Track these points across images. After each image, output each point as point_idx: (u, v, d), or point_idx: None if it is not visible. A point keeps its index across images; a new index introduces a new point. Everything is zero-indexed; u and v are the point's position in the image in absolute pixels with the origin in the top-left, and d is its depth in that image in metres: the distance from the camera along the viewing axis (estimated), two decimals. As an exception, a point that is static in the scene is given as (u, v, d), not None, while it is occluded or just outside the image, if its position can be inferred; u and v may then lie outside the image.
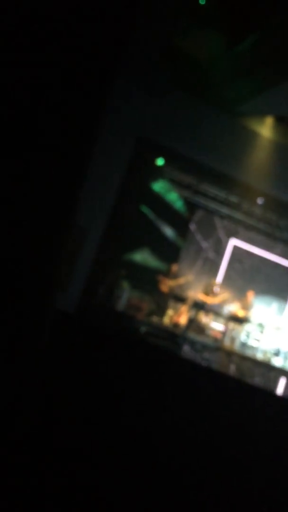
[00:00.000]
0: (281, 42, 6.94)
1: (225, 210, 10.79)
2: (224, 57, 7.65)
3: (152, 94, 8.40)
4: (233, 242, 11.13)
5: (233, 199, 10.51)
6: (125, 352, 3.73)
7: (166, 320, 9.66)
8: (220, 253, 11.07)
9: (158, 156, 9.58)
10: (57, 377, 3.02)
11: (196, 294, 10.51)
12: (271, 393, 6.77)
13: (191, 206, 10.71)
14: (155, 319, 9.48)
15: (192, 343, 8.86)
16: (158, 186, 10.21)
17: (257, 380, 8.96)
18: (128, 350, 3.81)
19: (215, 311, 9.91)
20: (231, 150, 9.06)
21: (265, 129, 9.16)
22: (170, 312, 9.81)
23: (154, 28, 6.92)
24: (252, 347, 9.53)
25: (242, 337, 9.59)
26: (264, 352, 9.50)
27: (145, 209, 10.14)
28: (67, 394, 3.14)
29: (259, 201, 10.30)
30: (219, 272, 10.99)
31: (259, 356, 9.40)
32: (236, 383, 4.49)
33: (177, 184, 10.28)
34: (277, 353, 9.50)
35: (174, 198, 10.46)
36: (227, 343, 9.40)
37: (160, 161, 9.68)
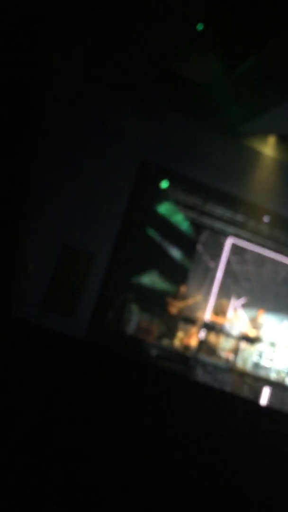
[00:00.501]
0: (279, 62, 7.04)
1: (231, 230, 10.79)
2: (224, 80, 7.76)
3: (155, 117, 8.52)
4: (239, 259, 11.10)
5: (239, 218, 10.52)
6: (137, 376, 3.69)
7: (177, 342, 9.58)
8: (228, 274, 11.03)
9: (162, 178, 9.65)
10: (70, 402, 2.99)
11: (206, 315, 10.45)
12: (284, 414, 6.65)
13: (197, 227, 10.73)
14: (165, 341, 9.40)
15: (204, 365, 8.75)
16: (164, 208, 10.25)
17: (272, 401, 8.80)
18: (139, 374, 3.76)
19: (225, 332, 9.82)
20: (235, 169, 9.12)
21: (268, 148, 9.23)
22: (180, 334, 9.74)
23: (153, 53, 7.06)
24: (265, 367, 9.39)
25: (255, 357, 9.46)
26: (278, 372, 9.35)
27: (151, 232, 10.17)
28: (78, 418, 3.10)
29: (265, 219, 10.30)
30: (227, 292, 10.93)
31: (273, 376, 9.26)
32: (249, 405, 4.42)
33: (182, 205, 10.32)
34: (291, 373, 9.35)
35: (180, 219, 10.49)
36: (239, 364, 9.28)
37: (164, 184, 9.74)
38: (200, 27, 6.97)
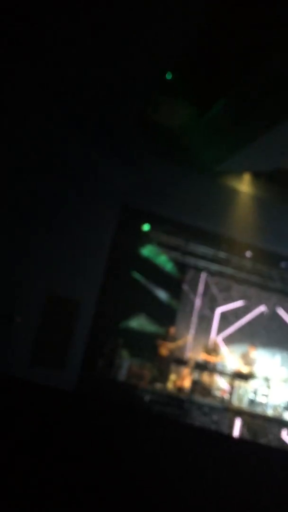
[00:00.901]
0: (247, 104, 7.31)
1: (215, 267, 10.88)
2: (196, 124, 8.02)
3: (133, 163, 8.71)
4: (226, 296, 11.13)
5: (222, 255, 10.63)
6: (131, 425, 3.60)
7: (170, 385, 9.42)
8: (216, 311, 11.03)
9: (143, 221, 9.78)
10: (64, 457, 2.90)
11: (197, 354, 10.34)
12: (284, 451, 6.51)
13: (181, 266, 10.79)
14: (158, 385, 9.24)
15: (199, 407, 8.58)
16: (147, 250, 10.33)
17: (271, 438, 8.61)
18: (134, 422, 3.68)
19: (219, 370, 9.71)
20: (214, 208, 9.30)
21: (244, 185, 9.47)
22: (173, 376, 9.59)
23: (126, 103, 7.29)
24: (261, 404, 9.25)
25: (250, 394, 9.33)
26: (274, 408, 9.21)
27: (136, 275, 10.19)
28: (73, 473, 3.00)
29: (248, 254, 10.43)
30: (217, 329, 10.89)
31: (270, 412, 9.11)
32: (248, 445, 4.32)
33: (165, 246, 10.42)
34: (287, 407, 9.21)
35: (164, 260, 10.55)
36: (235, 402, 9.13)
37: (146, 227, 9.87)
38: (169, 76, 7.25)
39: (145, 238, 10.12)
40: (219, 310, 11.04)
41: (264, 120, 7.46)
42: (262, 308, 11.20)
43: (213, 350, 10.00)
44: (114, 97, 7.14)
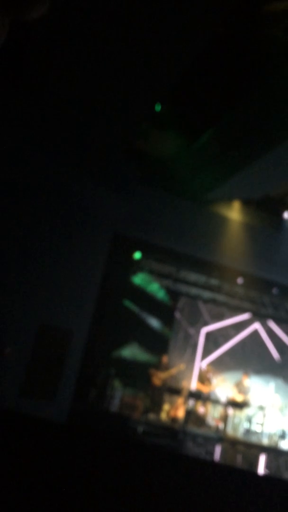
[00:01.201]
0: (234, 134, 7.46)
1: (207, 294, 10.87)
2: (185, 154, 8.16)
3: (123, 192, 8.79)
4: (218, 325, 11.09)
5: (214, 282, 10.64)
6: (125, 456, 3.53)
7: (163, 415, 9.27)
8: (208, 338, 10.97)
9: (135, 250, 9.81)
10: (56, 491, 2.83)
11: (191, 383, 10.23)
12: (282, 481, 6.37)
13: (173, 294, 10.78)
14: (151, 416, 9.08)
15: (194, 437, 8.43)
16: (139, 278, 10.32)
17: (267, 468, 8.45)
18: (127, 454, 3.61)
19: (212, 399, 9.58)
20: (205, 235, 9.36)
21: (234, 212, 9.57)
22: (166, 406, 9.45)
23: (115, 134, 7.41)
24: (256, 432, 9.10)
25: (244, 423, 9.19)
26: (270, 436, 9.07)
27: (128, 303, 10.14)
28: (62, 503, 2.92)
29: (239, 281, 10.46)
30: (211, 357, 10.80)
31: (265, 441, 8.96)
32: (244, 475, 4.24)
33: (157, 274, 10.42)
34: (283, 436, 9.07)
35: (155, 288, 10.54)
36: (229, 431, 8.98)
37: (137, 255, 9.88)
38: (158, 107, 7.40)
39: (137, 266, 10.13)
40: (211, 338, 10.98)
41: (252, 149, 7.60)
42: (255, 335, 11.16)
43: (206, 378, 9.90)
44: (104, 127, 7.25)
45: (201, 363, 10.59)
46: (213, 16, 4.92)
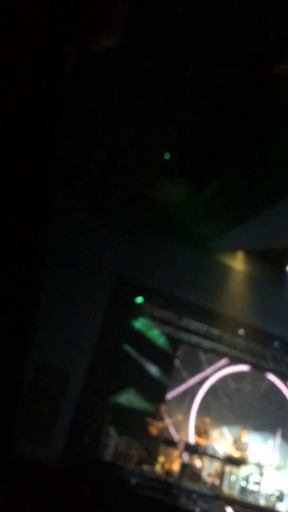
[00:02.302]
0: (242, 185, 7.63)
1: (208, 343, 10.75)
2: (192, 202, 8.30)
3: (128, 237, 8.89)
4: (218, 376, 10.88)
5: (215, 331, 10.55)
6: (117, 506, 3.41)
7: (158, 467, 8.94)
8: (208, 390, 10.74)
9: (137, 294, 9.79)
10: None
11: (188, 435, 9.93)
12: None
13: (174, 341, 10.65)
14: (146, 467, 8.76)
15: (188, 492, 8.09)
16: (139, 323, 10.24)
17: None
18: (119, 503, 3.49)
19: (209, 454, 9.26)
20: (208, 284, 9.36)
21: (238, 262, 9.62)
22: (161, 458, 9.13)
23: (124, 179, 7.58)
24: (253, 492, 8.73)
25: (241, 481, 8.83)
26: (267, 497, 8.69)
27: (127, 348, 10.02)
28: None
29: (241, 332, 10.36)
30: (208, 410, 10.53)
31: (262, 502, 8.58)
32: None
33: (158, 320, 10.35)
34: (280, 497, 8.69)
35: (156, 334, 10.43)
36: (225, 489, 8.62)
37: (139, 299, 9.86)
38: (167, 156, 7.61)
39: (138, 311, 10.08)
40: (211, 389, 10.75)
41: (257, 202, 7.74)
42: (254, 389, 10.93)
43: (203, 431, 9.61)
44: (113, 173, 7.43)
45: (199, 416, 10.30)
46: (224, 72, 5.15)
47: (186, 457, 9.05)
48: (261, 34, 4.64)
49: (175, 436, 9.81)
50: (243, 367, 10.98)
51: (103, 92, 5.83)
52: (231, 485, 8.73)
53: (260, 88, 6.43)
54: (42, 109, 1.05)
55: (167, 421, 9.58)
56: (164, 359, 10.42)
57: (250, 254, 9.57)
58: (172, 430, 9.86)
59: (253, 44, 4.72)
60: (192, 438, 9.68)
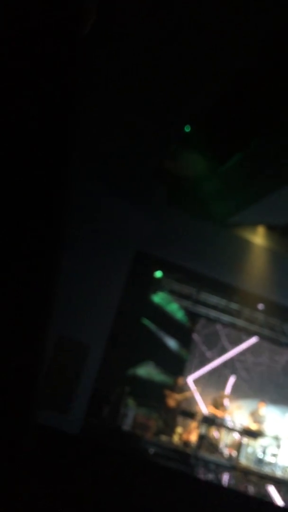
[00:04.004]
0: (264, 159, 7.47)
1: (227, 318, 10.76)
2: (212, 176, 8.18)
3: (148, 210, 8.86)
4: (237, 350, 10.92)
5: (234, 306, 10.54)
6: (135, 475, 3.48)
7: (176, 438, 9.12)
8: (226, 363, 10.81)
9: (156, 268, 9.81)
10: (63, 498, 2.80)
11: (205, 407, 10.06)
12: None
13: (192, 316, 10.69)
14: (164, 438, 8.94)
15: (205, 463, 8.25)
16: (158, 297, 10.29)
17: (279, 501, 8.18)
18: (137, 473, 3.56)
19: (226, 426, 9.39)
20: (227, 259, 9.31)
21: (258, 237, 9.50)
22: (179, 429, 9.30)
23: (145, 153, 7.50)
24: (270, 463, 8.86)
25: (258, 453, 8.95)
26: (284, 469, 8.81)
27: (146, 322, 10.11)
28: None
29: (260, 307, 10.33)
30: (226, 383, 10.63)
31: (279, 473, 8.71)
32: (256, 504, 4.15)
33: (177, 294, 10.38)
34: (297, 469, 8.81)
35: (174, 308, 10.48)
36: (242, 460, 8.76)
37: (158, 274, 9.88)
38: (187, 128, 7.48)
39: (157, 285, 10.11)
40: (229, 363, 10.81)
41: (280, 174, 7.59)
42: (273, 363, 10.95)
43: (221, 404, 9.72)
44: (134, 146, 7.36)
45: (217, 388, 10.40)
46: (246, 40, 4.99)
47: (203, 429, 9.19)
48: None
49: (193, 408, 9.94)
50: (262, 342, 10.99)
51: (123, 65, 5.72)
52: (248, 457, 8.87)
53: (283, 54, 6.23)
54: (60, 83, 1.04)
55: (185, 393, 9.70)
56: (182, 333, 10.50)
57: (271, 229, 9.44)
58: (189, 402, 9.99)
59: (280, 13, 4.55)
60: (209, 410, 9.80)
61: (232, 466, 8.47)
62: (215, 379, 10.62)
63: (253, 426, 9.33)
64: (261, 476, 8.43)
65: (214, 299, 10.48)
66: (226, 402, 9.80)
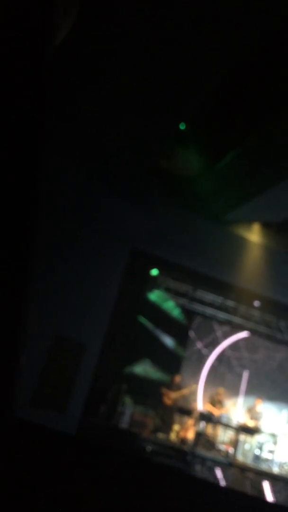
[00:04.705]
0: (259, 155, 7.48)
1: (223, 315, 10.78)
2: (208, 173, 8.18)
3: (144, 208, 8.84)
4: (233, 346, 10.94)
5: (230, 303, 10.55)
6: (132, 473, 3.48)
7: (173, 436, 9.13)
8: (222, 360, 10.83)
9: (152, 266, 9.81)
10: (61, 498, 2.80)
11: (202, 405, 10.08)
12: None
13: (188, 313, 10.71)
14: (161, 435, 8.95)
15: (202, 460, 8.27)
16: (154, 295, 10.29)
17: (276, 498, 8.21)
18: (134, 471, 3.56)
19: (223, 423, 9.41)
20: (223, 256, 9.32)
21: (254, 234, 9.52)
22: (176, 427, 9.31)
23: (140, 150, 7.48)
24: (266, 460, 8.89)
25: (255, 450, 8.99)
26: (280, 465, 8.85)
27: (143, 320, 10.11)
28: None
29: (256, 304, 10.35)
30: (223, 380, 10.64)
31: (275, 470, 8.74)
32: (252, 501, 4.16)
33: (173, 292, 10.38)
34: (294, 466, 8.84)
35: (171, 306, 10.49)
36: (239, 457, 8.79)
37: (154, 271, 9.88)
38: (182, 126, 7.47)
39: (153, 283, 10.11)
40: (225, 360, 10.84)
41: (276, 171, 7.59)
42: (269, 360, 10.98)
43: (218, 401, 9.74)
44: (129, 144, 7.34)
45: (213, 386, 10.42)
46: (243, 38, 4.98)
47: (200, 426, 9.21)
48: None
49: (189, 405, 9.96)
50: (258, 339, 11.01)
51: (118, 64, 5.70)
52: (245, 453, 8.90)
53: (280, 53, 6.22)
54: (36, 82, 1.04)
55: (182, 391, 9.71)
56: (179, 331, 10.51)
57: (266, 226, 9.46)
58: (186, 400, 10.00)
59: (277, 12, 4.54)
60: (201, 407, 9.82)
61: (229, 463, 8.49)
62: (211, 375, 10.64)
63: (250, 423, 9.36)
64: (258, 473, 8.46)
65: (210, 297, 10.49)
66: (222, 399, 9.82)
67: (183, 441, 8.90)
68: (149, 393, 9.50)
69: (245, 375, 10.76)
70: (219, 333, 10.95)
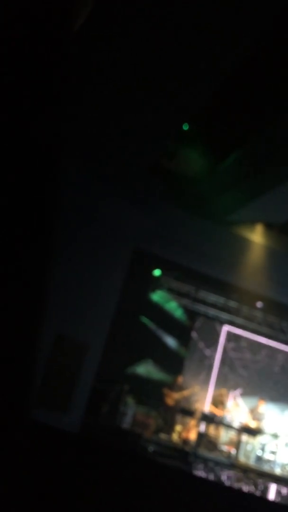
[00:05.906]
0: (262, 156, 7.48)
1: (225, 316, 10.77)
2: (210, 173, 8.19)
3: (146, 209, 8.85)
4: (235, 346, 10.93)
5: (233, 304, 10.55)
6: (134, 474, 3.48)
7: (175, 436, 9.12)
8: (224, 361, 10.82)
9: (155, 267, 9.81)
10: (63, 497, 2.80)
11: (204, 405, 10.07)
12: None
13: (191, 314, 10.70)
14: (163, 436, 8.95)
15: (204, 461, 8.26)
16: (157, 296, 10.29)
17: (279, 500, 8.20)
18: (136, 471, 3.56)
19: (225, 424, 9.39)
20: (226, 257, 9.31)
21: (256, 235, 9.51)
22: (178, 427, 9.30)
23: (144, 150, 7.48)
24: (268, 461, 8.88)
25: (257, 450, 8.97)
26: (282, 466, 8.83)
27: (145, 320, 10.11)
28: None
29: (259, 305, 10.34)
30: (225, 381, 10.63)
31: (277, 471, 8.72)
32: (255, 502, 4.14)
33: (175, 293, 10.38)
34: (296, 467, 8.82)
35: (173, 307, 10.49)
36: (241, 458, 8.77)
37: (157, 272, 9.88)
38: (185, 126, 7.48)
39: (156, 284, 10.12)
40: (228, 361, 10.82)
41: (278, 172, 7.59)
42: (272, 361, 10.97)
43: (220, 402, 9.73)
44: (131, 144, 7.34)
45: (216, 386, 10.42)
46: (246, 38, 4.98)
47: (202, 427, 9.20)
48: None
49: (192, 406, 9.95)
50: (260, 339, 11.00)
51: (120, 63, 5.71)
52: (247, 454, 8.88)
53: (283, 52, 6.22)
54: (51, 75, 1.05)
55: (184, 392, 9.70)
56: (181, 331, 10.51)
57: (269, 226, 9.45)
58: (188, 401, 9.99)
59: (278, 11, 4.54)
60: (207, 408, 9.81)
61: (231, 463, 8.48)
62: (214, 377, 10.63)
63: (252, 424, 9.35)
64: (260, 474, 8.44)
65: (212, 297, 10.49)
66: (225, 400, 9.81)
67: (185, 441, 8.89)
68: (151, 394, 9.50)
69: (247, 376, 10.74)
70: (221, 333, 10.94)
